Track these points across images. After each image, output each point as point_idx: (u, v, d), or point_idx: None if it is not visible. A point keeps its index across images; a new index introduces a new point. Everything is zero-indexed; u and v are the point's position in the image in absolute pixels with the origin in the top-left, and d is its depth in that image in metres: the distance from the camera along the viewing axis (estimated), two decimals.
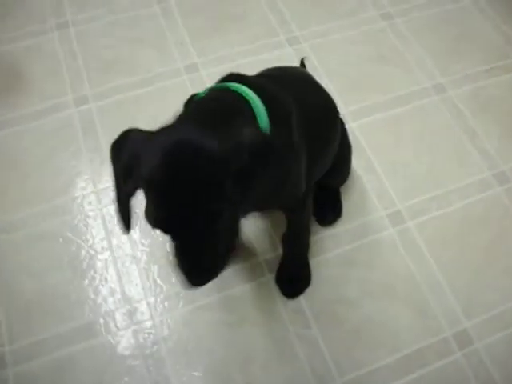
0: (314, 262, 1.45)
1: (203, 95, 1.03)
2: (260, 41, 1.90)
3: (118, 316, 1.40)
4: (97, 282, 1.44)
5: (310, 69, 1.55)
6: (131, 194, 0.91)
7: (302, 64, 1.57)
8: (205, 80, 1.79)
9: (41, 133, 1.69)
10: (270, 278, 1.44)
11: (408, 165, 1.63)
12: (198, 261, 0.90)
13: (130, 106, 1.74)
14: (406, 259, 1.47)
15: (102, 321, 1.39)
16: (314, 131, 1.14)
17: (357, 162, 1.59)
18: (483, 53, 1.88)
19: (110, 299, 1.42)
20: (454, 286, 1.43)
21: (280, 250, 1.43)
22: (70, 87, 1.79)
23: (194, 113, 0.97)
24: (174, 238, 0.90)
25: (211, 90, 1.05)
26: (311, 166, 1.14)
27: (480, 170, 1.63)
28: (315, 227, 1.50)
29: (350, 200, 1.56)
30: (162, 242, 1.47)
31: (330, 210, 1.52)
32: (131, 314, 1.40)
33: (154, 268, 1.45)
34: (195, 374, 1.32)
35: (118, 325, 1.39)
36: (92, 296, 1.42)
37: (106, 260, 1.47)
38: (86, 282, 1.44)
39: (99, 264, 1.47)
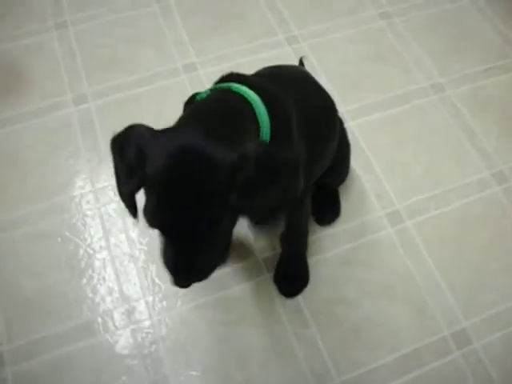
0: (313, 262, 1.45)
1: (204, 95, 1.03)
2: (259, 40, 1.89)
3: (116, 315, 1.40)
4: (95, 281, 1.44)
5: (309, 68, 1.55)
6: (135, 190, 0.91)
7: (301, 63, 1.57)
8: (203, 79, 1.79)
9: (40, 132, 1.69)
10: (269, 277, 1.44)
11: (406, 164, 1.63)
12: (190, 262, 0.90)
13: (129, 105, 1.74)
14: (404, 259, 1.47)
15: (100, 320, 1.39)
16: (314, 131, 1.14)
17: (355, 162, 1.59)
18: (482, 52, 1.88)
19: (108, 298, 1.42)
20: (453, 286, 1.43)
21: (278, 249, 1.43)
22: (69, 86, 1.78)
23: (197, 115, 0.97)
24: (171, 238, 0.90)
25: (212, 91, 1.04)
26: (310, 165, 1.13)
27: (478, 169, 1.63)
28: (314, 227, 1.50)
29: (348, 199, 1.56)
30: (160, 241, 1.47)
31: (328, 209, 1.52)
32: (129, 313, 1.40)
33: (152, 267, 1.45)
34: (193, 373, 1.32)
35: (116, 324, 1.39)
36: (90, 295, 1.42)
37: (104, 259, 1.47)
38: (84, 281, 1.44)
39: (97, 263, 1.47)
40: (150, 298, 1.41)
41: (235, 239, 1.47)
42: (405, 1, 2.01)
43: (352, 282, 1.44)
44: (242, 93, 1.00)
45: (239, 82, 1.04)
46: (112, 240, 1.50)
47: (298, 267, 1.43)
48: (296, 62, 1.62)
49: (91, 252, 1.48)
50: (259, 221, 1.14)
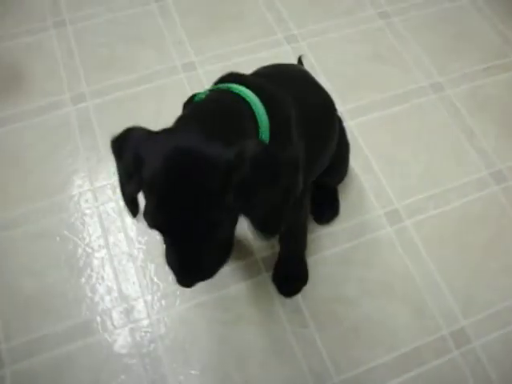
0: (312, 261, 1.45)
1: (203, 96, 1.03)
2: (257, 39, 1.89)
3: (115, 314, 1.40)
4: (94, 280, 1.44)
5: (308, 67, 1.55)
6: (134, 194, 0.92)
7: (300, 62, 1.57)
8: (202, 78, 1.79)
9: (40, 130, 1.69)
10: (267, 277, 1.44)
11: (406, 163, 1.63)
12: (192, 261, 0.90)
13: (128, 104, 1.74)
14: (403, 258, 1.47)
15: (98, 319, 1.39)
16: (313, 130, 1.14)
17: (354, 161, 1.59)
18: (481, 52, 1.88)
19: (107, 297, 1.42)
20: (452, 285, 1.43)
21: (277, 248, 1.43)
22: (68, 85, 1.78)
23: (195, 115, 0.96)
24: (172, 239, 0.90)
25: (211, 91, 1.04)
26: (309, 165, 1.13)
27: (477, 168, 1.63)
28: (313, 225, 1.50)
29: (347, 198, 1.56)
30: (158, 241, 1.47)
31: (327, 208, 1.52)
32: (128, 312, 1.40)
33: (151, 266, 1.45)
34: (192, 372, 1.32)
35: (115, 323, 1.38)
36: (89, 294, 1.42)
37: (102, 258, 1.47)
38: (83, 280, 1.44)
39: (96, 262, 1.47)
40: (149, 297, 1.41)
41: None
42: (404, 0, 2.02)
43: (351, 281, 1.44)
44: (240, 93, 1.00)
45: (238, 83, 1.03)
46: (111, 239, 1.50)
47: (297, 266, 1.43)
48: (295, 61, 1.62)
49: (90, 251, 1.48)
50: (265, 230, 1.06)
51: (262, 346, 1.35)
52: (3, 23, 1.93)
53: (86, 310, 1.40)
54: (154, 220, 0.87)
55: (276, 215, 0.92)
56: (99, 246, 1.49)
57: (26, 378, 1.31)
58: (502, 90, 1.79)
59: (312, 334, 1.36)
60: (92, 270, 1.45)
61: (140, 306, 1.41)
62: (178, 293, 1.41)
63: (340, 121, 1.41)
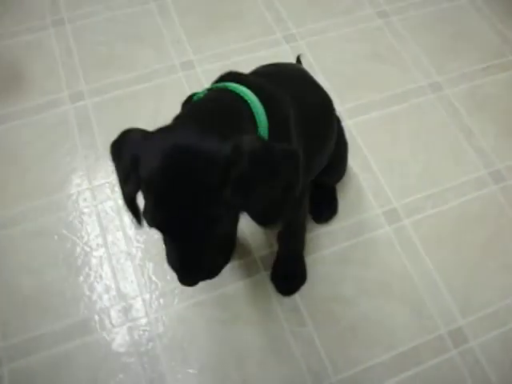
0: (310, 260, 1.45)
1: (202, 95, 1.03)
2: (256, 38, 1.89)
3: (113, 313, 1.39)
4: (92, 278, 1.44)
5: (307, 66, 1.55)
6: (133, 194, 0.91)
7: (299, 61, 1.57)
8: (201, 77, 1.79)
9: (39, 128, 1.69)
10: (266, 276, 1.44)
11: (404, 163, 1.63)
12: (193, 260, 0.90)
13: (127, 103, 1.74)
14: (401, 257, 1.47)
15: (96, 318, 1.39)
16: (311, 129, 1.14)
17: (353, 160, 1.59)
18: (479, 51, 1.88)
19: (105, 296, 1.42)
20: (450, 285, 1.44)
21: (275, 247, 1.43)
22: (66, 83, 1.78)
23: (193, 114, 0.96)
24: (172, 238, 0.90)
25: (210, 90, 1.04)
26: (308, 164, 1.13)
27: (476, 168, 1.63)
28: (311, 224, 1.50)
29: (346, 198, 1.56)
30: (157, 239, 1.47)
31: (325, 207, 1.52)
32: (126, 310, 1.40)
33: (149, 265, 1.45)
34: (190, 371, 1.32)
35: (113, 322, 1.38)
36: (87, 293, 1.42)
37: (100, 257, 1.47)
38: (81, 278, 1.44)
39: (94, 261, 1.46)
40: (147, 296, 1.41)
41: None
42: None
43: (349, 280, 1.44)
44: (239, 92, 1.00)
45: (237, 82, 1.03)
46: (109, 238, 1.50)
47: (295, 265, 1.43)
48: (294, 60, 1.61)
49: (88, 250, 1.48)
50: (265, 223, 1.05)
51: (260, 345, 1.35)
52: (3, 22, 1.93)
53: (84, 309, 1.40)
54: (154, 219, 0.86)
55: (276, 209, 0.92)
56: (97, 244, 1.49)
57: (23, 377, 1.31)
58: (500, 89, 1.79)
59: (310, 332, 1.37)
60: (90, 269, 1.45)
61: (138, 304, 1.41)
62: (177, 291, 1.41)
63: (338, 120, 1.41)
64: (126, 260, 1.46)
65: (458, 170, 1.62)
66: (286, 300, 1.41)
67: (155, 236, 1.47)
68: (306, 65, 1.61)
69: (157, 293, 1.42)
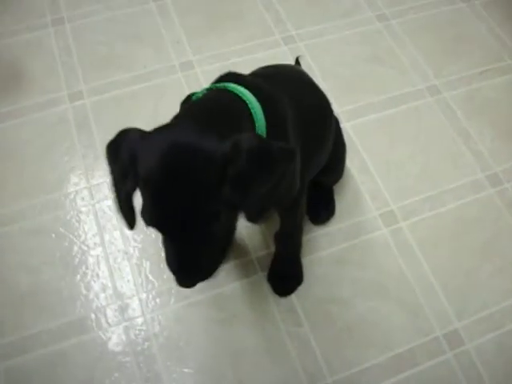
0: (307, 261, 1.45)
1: (200, 95, 1.03)
2: (256, 40, 1.90)
3: (110, 312, 1.40)
4: (88, 277, 1.44)
5: (305, 68, 1.55)
6: (130, 193, 0.91)
7: (297, 62, 1.58)
8: (200, 78, 1.79)
9: (38, 127, 1.69)
10: (262, 276, 1.44)
11: (402, 165, 1.64)
12: (192, 261, 0.90)
13: (125, 103, 1.74)
14: (398, 259, 1.47)
15: (93, 316, 1.39)
16: (309, 130, 1.15)
17: (351, 162, 1.60)
18: (478, 55, 1.89)
19: (102, 295, 1.42)
20: (446, 287, 1.44)
21: (272, 248, 1.43)
22: (65, 83, 1.78)
23: (192, 113, 0.97)
24: (170, 237, 0.90)
25: (208, 90, 1.04)
26: (306, 165, 1.13)
27: (473, 171, 1.63)
28: (308, 226, 1.50)
29: (343, 199, 1.56)
30: (154, 239, 1.47)
31: (323, 208, 1.52)
32: (122, 310, 1.40)
33: (146, 264, 1.45)
34: (186, 370, 1.32)
35: (110, 321, 1.38)
36: (84, 292, 1.42)
37: (97, 256, 1.47)
38: (78, 277, 1.44)
39: (91, 260, 1.47)
40: (144, 295, 1.41)
41: None
42: (402, 3, 2.02)
43: (346, 281, 1.44)
44: (237, 92, 1.00)
45: (236, 82, 1.03)
46: (106, 237, 1.50)
47: (292, 266, 1.43)
48: (292, 62, 1.62)
49: (85, 249, 1.48)
50: (252, 219, 1.06)
51: (256, 345, 1.35)
52: (2, 20, 1.94)
53: (80, 308, 1.40)
54: (151, 218, 0.86)
55: (269, 206, 0.92)
56: (95, 243, 1.49)
57: (19, 375, 1.31)
58: (498, 93, 1.80)
59: (306, 333, 1.37)
60: (87, 268, 1.45)
61: (135, 304, 1.41)
62: (173, 291, 1.41)
63: (336, 121, 1.41)
64: (123, 259, 1.46)
65: (455, 172, 1.63)
66: (283, 301, 1.41)
67: (152, 235, 1.47)
68: (304, 66, 1.61)
69: (153, 292, 1.42)
